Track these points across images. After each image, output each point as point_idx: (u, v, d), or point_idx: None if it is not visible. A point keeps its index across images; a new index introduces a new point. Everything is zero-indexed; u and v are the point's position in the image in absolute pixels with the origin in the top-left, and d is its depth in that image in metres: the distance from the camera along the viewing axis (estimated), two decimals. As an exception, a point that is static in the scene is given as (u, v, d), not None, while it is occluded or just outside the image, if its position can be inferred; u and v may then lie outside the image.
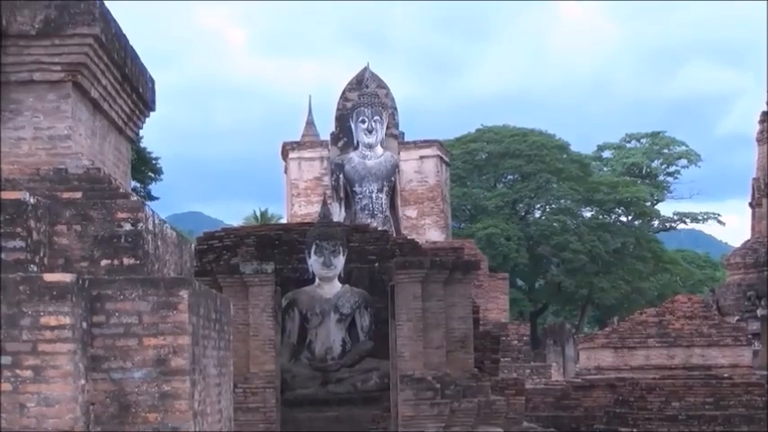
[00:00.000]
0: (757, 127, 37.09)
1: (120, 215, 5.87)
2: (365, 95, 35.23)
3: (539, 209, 59.51)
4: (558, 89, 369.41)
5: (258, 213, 58.36)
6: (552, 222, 56.41)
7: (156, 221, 6.23)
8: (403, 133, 36.78)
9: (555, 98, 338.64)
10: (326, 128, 37.33)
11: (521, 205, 58.33)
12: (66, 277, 5.10)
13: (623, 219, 61.14)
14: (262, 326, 16.50)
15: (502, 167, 57.13)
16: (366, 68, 36.95)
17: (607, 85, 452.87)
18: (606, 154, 68.41)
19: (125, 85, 6.82)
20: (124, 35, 6.65)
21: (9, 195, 5.57)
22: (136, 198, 6.10)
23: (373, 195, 35.31)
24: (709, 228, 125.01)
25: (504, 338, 28.04)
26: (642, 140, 67.86)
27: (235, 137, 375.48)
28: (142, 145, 37.33)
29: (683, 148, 67.07)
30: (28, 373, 4.99)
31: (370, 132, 35.03)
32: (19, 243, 5.50)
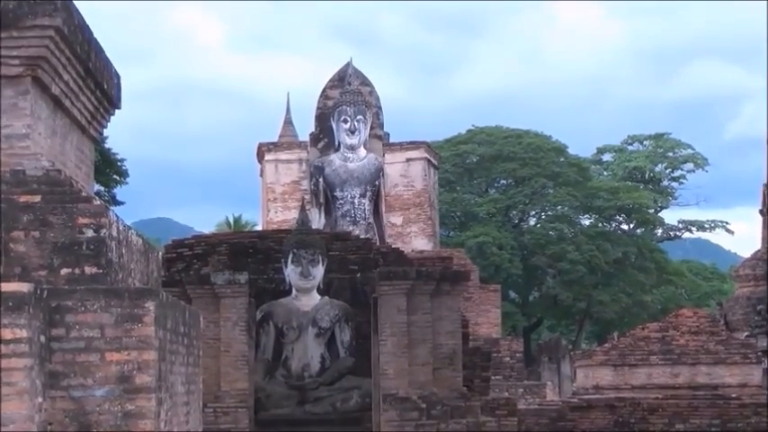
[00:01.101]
0: (768, 129, 37.29)
1: (82, 221, 5.86)
2: (348, 93, 35.16)
3: (534, 216, 59.67)
4: (555, 90, 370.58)
5: (231, 220, 58.30)
6: (548, 230, 56.54)
7: (121, 228, 6.23)
8: (388, 134, 36.80)
9: (552, 99, 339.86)
10: (306, 129, 37.39)
11: (514, 212, 58.45)
12: (23, 287, 5.09)
13: (624, 227, 61.33)
14: (234, 340, 16.51)
15: (494, 171, 57.23)
16: (349, 64, 36.95)
17: (607, 86, 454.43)
18: (606, 157, 68.50)
19: (88, 81, 6.82)
20: (88, 27, 6.65)
21: (-38, 199, 5.57)
22: (99, 202, 6.10)
23: (355, 201, 35.32)
24: (716, 237, 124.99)
25: (495, 355, 28.10)
26: (645, 143, 67.93)
27: (208, 139, 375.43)
28: (107, 146, 37.24)
29: (689, 151, 67.16)
30: (-19, 391, 4.99)
31: (353, 133, 34.99)
32: (-28, 250, 5.51)
